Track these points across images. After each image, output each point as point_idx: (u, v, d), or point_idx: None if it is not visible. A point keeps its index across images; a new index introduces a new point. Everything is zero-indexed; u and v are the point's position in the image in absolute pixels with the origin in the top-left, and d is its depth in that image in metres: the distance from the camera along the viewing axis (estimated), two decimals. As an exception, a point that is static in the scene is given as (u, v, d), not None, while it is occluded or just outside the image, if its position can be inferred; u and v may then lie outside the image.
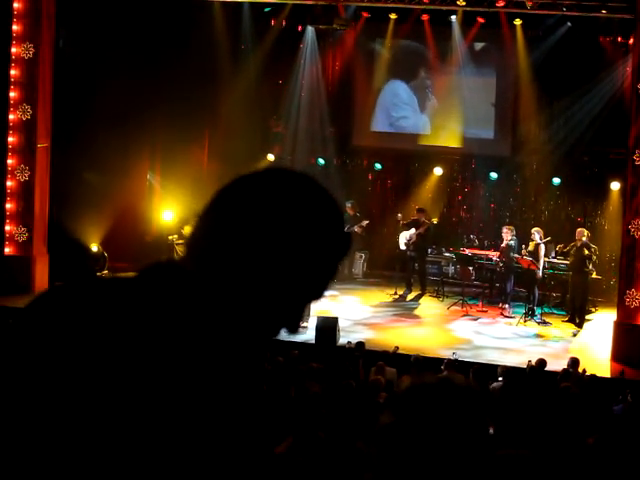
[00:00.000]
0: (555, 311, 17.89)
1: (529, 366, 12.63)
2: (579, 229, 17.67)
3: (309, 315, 15.46)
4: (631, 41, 17.80)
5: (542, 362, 12.55)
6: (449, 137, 21.19)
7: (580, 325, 16.99)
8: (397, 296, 18.84)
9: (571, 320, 17.19)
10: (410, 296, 18.90)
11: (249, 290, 1.79)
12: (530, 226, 18.94)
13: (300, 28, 21.28)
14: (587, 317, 17.66)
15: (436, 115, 21.28)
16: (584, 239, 17.15)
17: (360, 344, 13.64)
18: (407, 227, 19.13)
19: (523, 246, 17.87)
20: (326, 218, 1.84)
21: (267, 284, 1.79)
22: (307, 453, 7.55)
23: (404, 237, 19.10)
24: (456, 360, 12.71)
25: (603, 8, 17.23)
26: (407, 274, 19.13)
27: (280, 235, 1.78)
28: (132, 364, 1.69)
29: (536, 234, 17.50)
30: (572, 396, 10.61)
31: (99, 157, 18.69)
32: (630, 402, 10.84)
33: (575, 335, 16.57)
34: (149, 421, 1.68)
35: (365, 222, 19.85)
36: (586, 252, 16.99)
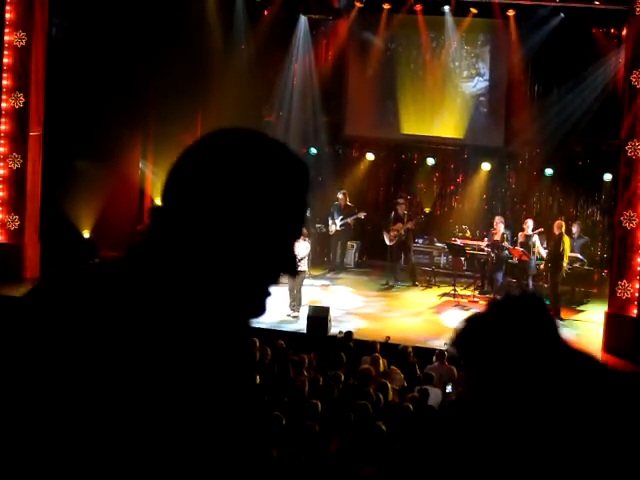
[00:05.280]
0: (547, 302, 17.81)
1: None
2: (557, 221, 17.58)
3: (300, 304, 15.46)
4: (624, 32, 17.82)
5: None
6: (442, 127, 21.15)
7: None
8: (388, 286, 18.82)
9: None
10: (401, 286, 18.88)
11: (213, 262, 1.77)
12: (522, 217, 18.96)
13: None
14: (579, 308, 17.69)
15: (429, 106, 21.22)
16: (565, 230, 17.15)
17: (349, 333, 13.65)
18: (391, 225, 19.01)
19: (515, 238, 17.92)
20: (285, 174, 1.81)
21: (230, 254, 1.77)
22: (301, 444, 7.56)
23: (391, 233, 18.96)
24: (447, 350, 12.69)
25: (596, -1, 17.26)
26: (395, 265, 19.09)
27: (236, 198, 1.75)
28: (120, 357, 1.69)
29: (529, 222, 17.51)
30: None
31: (91, 145, 18.65)
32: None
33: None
34: (140, 414, 1.68)
35: (362, 214, 19.83)
36: (561, 245, 16.93)
